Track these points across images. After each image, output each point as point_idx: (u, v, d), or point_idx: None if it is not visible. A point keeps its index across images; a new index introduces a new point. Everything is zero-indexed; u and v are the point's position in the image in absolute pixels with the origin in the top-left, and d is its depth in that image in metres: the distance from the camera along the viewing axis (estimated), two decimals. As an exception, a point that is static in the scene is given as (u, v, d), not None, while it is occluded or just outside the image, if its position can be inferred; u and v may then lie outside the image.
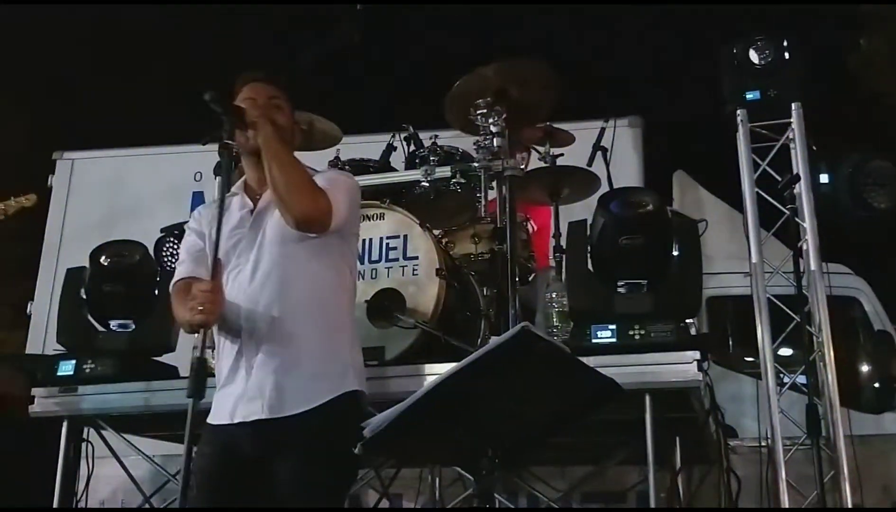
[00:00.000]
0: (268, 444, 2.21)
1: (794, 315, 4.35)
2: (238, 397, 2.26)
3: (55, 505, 3.29)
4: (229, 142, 2.24)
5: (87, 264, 3.48)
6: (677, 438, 3.34)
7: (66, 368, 3.26)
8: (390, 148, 3.85)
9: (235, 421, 2.24)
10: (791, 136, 4.45)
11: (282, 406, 2.23)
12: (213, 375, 2.32)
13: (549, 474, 4.10)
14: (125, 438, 3.53)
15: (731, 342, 5.32)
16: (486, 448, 1.95)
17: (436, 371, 2.96)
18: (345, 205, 2.36)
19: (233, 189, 2.47)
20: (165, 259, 4.35)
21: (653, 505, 2.90)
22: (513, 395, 1.86)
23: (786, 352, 4.61)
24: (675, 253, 3.00)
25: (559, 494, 3.96)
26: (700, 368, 2.77)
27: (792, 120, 4.41)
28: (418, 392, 1.74)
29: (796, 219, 4.38)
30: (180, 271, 2.44)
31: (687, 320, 2.99)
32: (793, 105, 4.42)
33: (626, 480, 4.14)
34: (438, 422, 1.81)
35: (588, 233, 2.98)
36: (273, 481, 2.21)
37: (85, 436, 3.67)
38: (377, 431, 1.74)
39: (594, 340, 2.83)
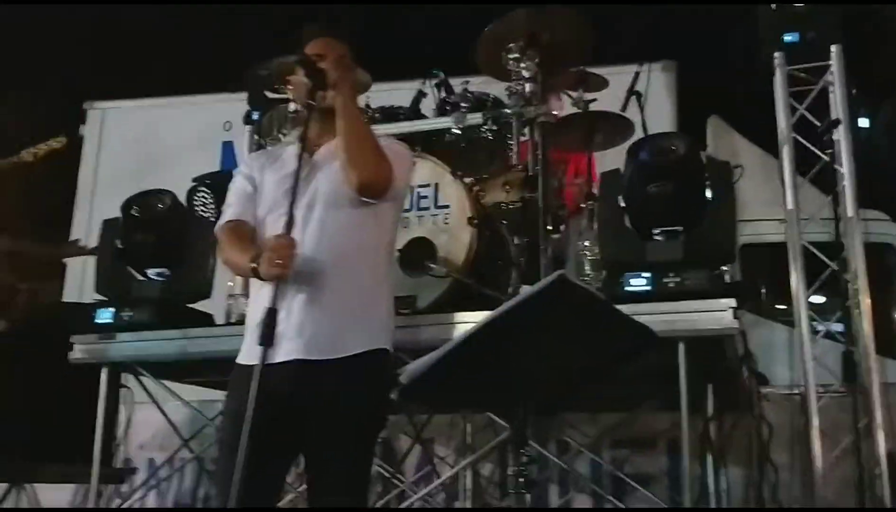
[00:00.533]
0: (299, 385, 2.23)
1: (829, 262, 4.30)
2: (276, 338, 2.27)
3: (96, 450, 3.37)
4: (311, 101, 2.30)
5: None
6: (709, 386, 3.33)
7: (105, 316, 3.31)
8: (420, 95, 3.81)
9: (270, 361, 2.25)
10: (830, 80, 4.34)
11: (316, 349, 2.25)
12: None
13: (579, 420, 4.13)
14: (163, 384, 3.59)
15: (763, 290, 5.27)
16: (521, 395, 1.97)
17: (467, 320, 2.96)
18: (401, 174, 2.42)
19: (286, 139, 2.50)
20: (198, 208, 4.38)
21: (685, 451, 2.90)
22: (549, 342, 1.86)
23: (818, 299, 4.56)
24: (709, 198, 2.95)
25: (590, 441, 4.01)
26: (735, 316, 2.74)
27: (831, 63, 4.30)
28: (455, 339, 1.75)
29: (834, 164, 4.29)
30: (228, 214, 2.46)
31: (721, 267, 2.96)
32: (832, 47, 4.30)
33: (656, 426, 4.15)
34: (474, 369, 1.82)
35: (619, 182, 2.94)
36: (304, 426, 2.24)
37: (124, 382, 3.77)
38: (414, 377, 1.75)
39: (627, 289, 2.81)
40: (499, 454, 3.93)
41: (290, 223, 2.19)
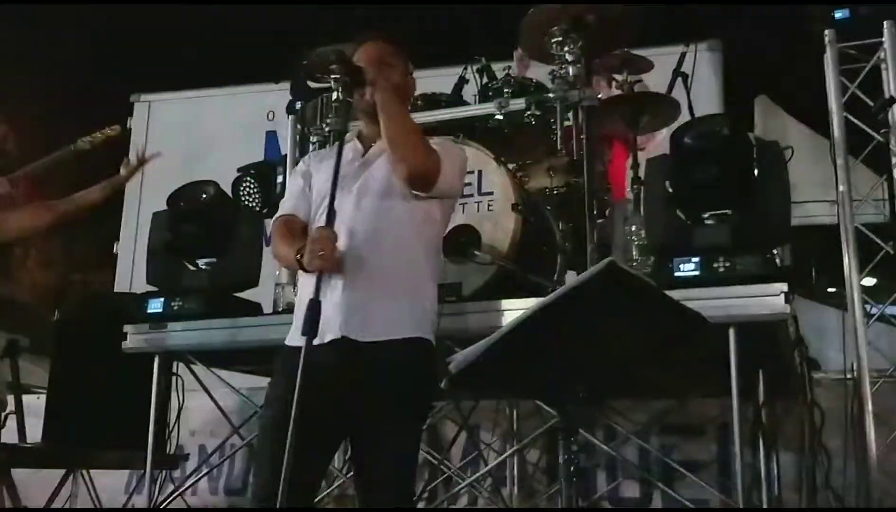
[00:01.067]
0: (345, 364, 2.25)
1: (883, 245, 4.19)
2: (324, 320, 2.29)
3: (150, 436, 3.44)
4: (350, 99, 2.40)
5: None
6: (760, 372, 3.28)
7: (156, 306, 3.37)
8: (462, 81, 3.79)
9: (315, 342, 2.27)
10: (883, 57, 4.22)
11: (361, 330, 2.28)
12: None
13: (627, 407, 4.09)
14: (213, 373, 3.65)
15: (814, 273, 5.17)
16: (571, 383, 1.96)
17: (513, 307, 2.94)
18: (452, 170, 2.48)
19: (346, 137, 2.57)
20: (243, 198, 4.44)
21: (736, 438, 2.85)
22: (598, 330, 1.85)
23: (869, 282, 4.46)
24: (759, 179, 2.88)
25: (637, 428, 3.97)
26: (787, 301, 2.68)
27: (884, 39, 4.17)
28: (503, 328, 1.74)
29: (889, 144, 4.18)
30: (283, 208, 2.57)
31: (773, 251, 2.90)
32: (885, 23, 4.17)
33: (706, 413, 4.10)
34: (523, 357, 1.81)
35: (664, 167, 2.90)
36: (349, 410, 2.26)
37: (175, 370, 3.83)
38: (463, 366, 1.74)
39: (677, 274, 2.76)
40: (545, 441, 3.93)
41: (330, 216, 2.22)
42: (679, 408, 4.01)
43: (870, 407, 3.93)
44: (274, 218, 2.57)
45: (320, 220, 2.34)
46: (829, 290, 5.19)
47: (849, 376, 4.19)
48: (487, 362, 1.76)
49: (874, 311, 4.21)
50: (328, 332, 2.26)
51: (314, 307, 2.07)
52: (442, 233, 2.60)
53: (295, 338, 2.30)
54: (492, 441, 4.21)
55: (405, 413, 2.27)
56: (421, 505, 3.89)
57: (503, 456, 3.73)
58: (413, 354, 2.30)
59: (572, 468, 2.06)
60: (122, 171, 4.05)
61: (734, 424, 2.83)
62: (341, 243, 2.31)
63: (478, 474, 3.50)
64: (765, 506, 3.32)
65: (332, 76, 2.44)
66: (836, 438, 4.11)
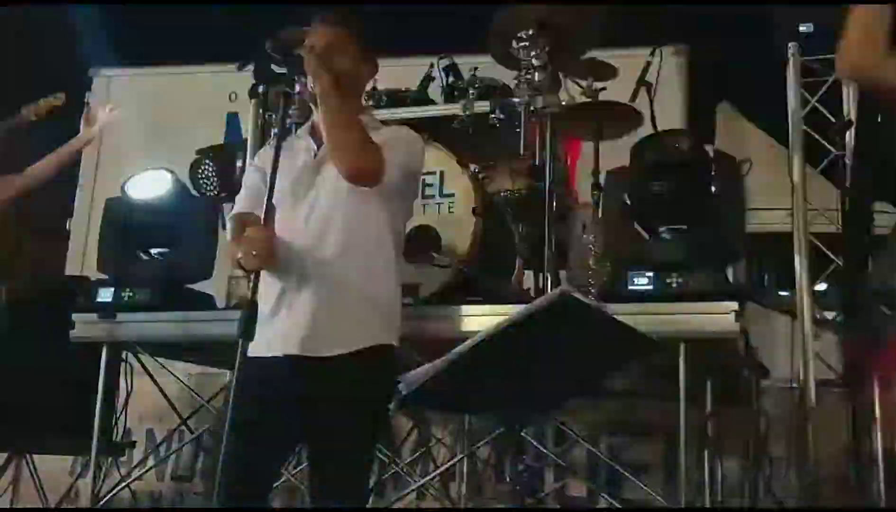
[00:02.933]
0: (303, 381, 2.24)
1: (833, 257, 4.27)
2: (278, 332, 2.27)
3: (96, 424, 3.39)
4: (288, 90, 2.26)
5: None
6: (708, 381, 3.33)
7: (105, 296, 3.32)
8: (428, 78, 3.76)
9: (272, 354, 2.26)
10: (844, 71, 4.28)
11: (320, 345, 2.25)
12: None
13: (579, 408, 4.13)
14: (162, 364, 3.61)
15: (767, 280, 5.25)
16: (520, 403, 1.97)
17: (471, 313, 2.96)
18: (399, 163, 2.36)
19: (299, 132, 2.50)
20: (201, 181, 4.36)
21: (682, 445, 2.90)
22: (549, 354, 1.86)
23: (821, 287, 4.55)
24: (715, 195, 2.91)
25: (587, 429, 4.03)
26: (737, 319, 2.72)
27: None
28: (455, 351, 1.74)
29: (844, 159, 4.25)
30: (238, 206, 2.48)
31: (727, 267, 2.94)
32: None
33: (655, 416, 4.16)
34: (474, 380, 1.81)
35: (624, 180, 2.91)
36: (305, 420, 2.24)
37: (124, 357, 3.78)
38: (413, 387, 1.74)
39: (630, 287, 2.79)
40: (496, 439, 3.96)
41: (268, 213, 2.15)
42: (630, 410, 4.07)
43: (813, 416, 4.03)
44: (230, 216, 2.49)
45: (281, 217, 2.29)
46: (782, 293, 5.27)
47: (795, 385, 4.29)
48: (437, 384, 1.76)
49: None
50: (287, 346, 2.24)
51: (251, 309, 2.02)
52: (402, 228, 2.52)
53: (257, 348, 2.19)
54: (443, 437, 4.23)
55: (361, 427, 2.25)
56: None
57: (454, 461, 3.75)
58: (372, 365, 2.26)
59: (516, 475, 2.08)
60: (82, 130, 3.99)
61: (680, 432, 2.87)
62: (294, 254, 2.27)
63: (428, 478, 3.52)
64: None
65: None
66: (780, 446, 4.21)
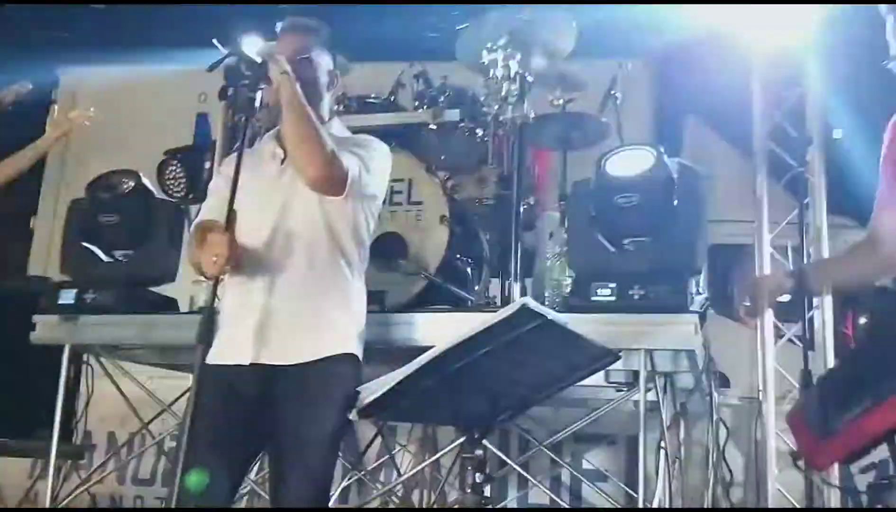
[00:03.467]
0: (265, 390, 2.24)
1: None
2: (240, 339, 2.27)
3: (56, 428, 3.35)
4: (252, 95, 2.19)
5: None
6: (669, 390, 3.38)
7: (68, 297, 3.28)
8: (399, 85, 3.77)
9: (235, 362, 2.25)
10: (807, 90, 4.37)
11: (281, 354, 2.25)
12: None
13: (542, 414, 4.16)
14: (123, 368, 3.57)
15: (730, 291, 5.32)
16: (481, 413, 1.98)
17: (437, 320, 2.96)
18: (361, 172, 2.35)
19: (265, 138, 2.49)
20: (168, 182, 4.32)
21: (641, 457, 2.93)
22: (510, 366, 1.88)
23: (783, 298, 4.61)
24: (678, 209, 2.93)
25: (550, 436, 4.04)
26: (697, 331, 2.76)
27: (809, 73, 4.32)
28: (415, 362, 1.75)
29: (806, 174, 4.33)
30: (202, 214, 2.46)
31: (689, 280, 2.98)
32: (810, 58, 4.32)
33: (618, 422, 4.19)
34: (435, 390, 1.82)
35: (589, 192, 2.94)
36: (267, 428, 2.24)
37: (86, 359, 3.73)
38: (374, 397, 1.75)
39: (593, 298, 2.81)
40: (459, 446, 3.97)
41: (229, 218, 2.13)
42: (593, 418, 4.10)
43: (770, 428, 4.09)
44: (195, 223, 2.47)
45: (242, 224, 2.27)
46: (745, 304, 5.33)
47: (754, 396, 4.36)
48: (399, 394, 1.77)
49: (784, 332, 4.36)
50: (249, 354, 2.24)
51: (210, 315, 2.00)
52: (367, 237, 2.50)
53: (218, 356, 2.20)
54: (407, 444, 4.23)
55: (324, 430, 2.24)
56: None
57: (417, 468, 3.76)
58: (334, 374, 2.26)
59: (477, 485, 2.09)
60: (48, 130, 3.94)
61: (640, 444, 2.90)
62: (258, 263, 2.27)
63: (392, 485, 3.52)
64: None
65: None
66: (740, 456, 4.28)
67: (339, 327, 2.33)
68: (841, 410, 1.92)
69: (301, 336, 2.27)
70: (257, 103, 2.21)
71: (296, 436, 2.21)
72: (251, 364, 2.24)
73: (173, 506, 1.89)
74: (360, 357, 2.36)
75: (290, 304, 2.28)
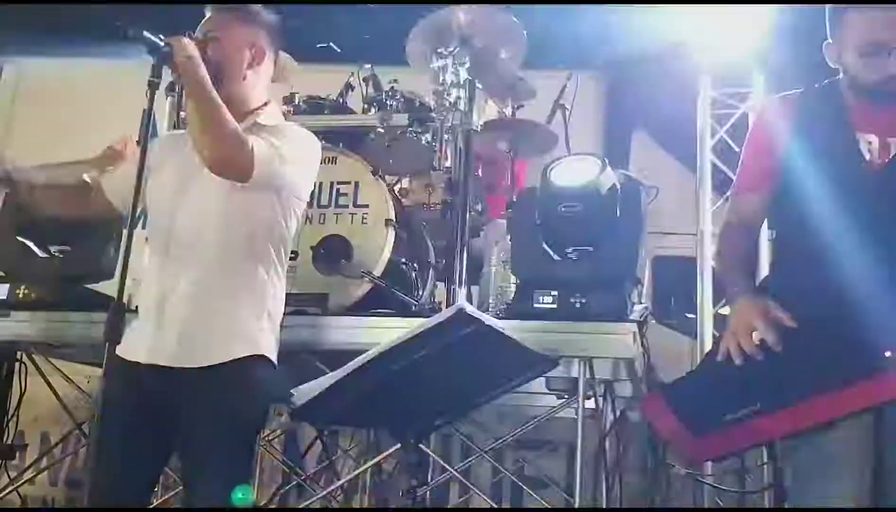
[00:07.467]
0: (166, 390, 2.18)
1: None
2: (147, 339, 2.22)
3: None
4: (154, 80, 2.05)
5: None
6: (608, 396, 3.41)
7: (0, 292, 3.18)
8: (348, 87, 3.76)
9: (142, 361, 2.20)
10: (752, 105, 4.47)
11: (191, 356, 2.19)
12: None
13: (485, 419, 4.17)
14: (55, 366, 3.48)
15: (673, 302, 5.41)
16: (417, 417, 1.98)
17: (379, 324, 2.94)
18: (274, 160, 2.23)
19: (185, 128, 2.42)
20: (111, 177, 4.23)
21: (578, 462, 2.95)
22: (447, 370, 1.88)
23: (726, 311, 4.70)
24: (620, 220, 2.96)
25: (492, 442, 4.06)
26: (636, 340, 2.80)
27: (752, 90, 4.43)
28: (350, 365, 1.74)
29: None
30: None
31: (638, 285, 3.02)
32: (754, 73, 4.43)
33: (560, 430, 4.23)
34: (369, 393, 1.81)
35: (534, 200, 2.96)
36: (177, 430, 2.20)
37: (19, 357, 3.63)
38: (306, 400, 1.73)
39: (535, 305, 2.83)
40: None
41: (134, 208, 2.02)
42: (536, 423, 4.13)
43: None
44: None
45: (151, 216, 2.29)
46: (688, 316, 5.44)
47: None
48: (333, 397, 1.76)
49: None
50: (159, 355, 2.19)
51: (117, 310, 1.95)
52: (282, 228, 2.34)
53: (127, 352, 2.15)
54: (348, 448, 4.20)
55: (235, 434, 2.18)
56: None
57: (355, 472, 3.73)
58: (246, 375, 2.20)
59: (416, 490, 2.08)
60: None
61: (577, 450, 2.91)
62: (168, 258, 2.24)
63: (331, 488, 3.49)
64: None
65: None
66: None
67: (249, 329, 2.24)
68: (726, 409, 1.94)
69: (210, 336, 2.20)
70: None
71: (203, 441, 2.16)
72: (147, 364, 2.19)
73: (86, 504, 1.85)
74: (274, 359, 2.28)
75: (201, 302, 2.21)
